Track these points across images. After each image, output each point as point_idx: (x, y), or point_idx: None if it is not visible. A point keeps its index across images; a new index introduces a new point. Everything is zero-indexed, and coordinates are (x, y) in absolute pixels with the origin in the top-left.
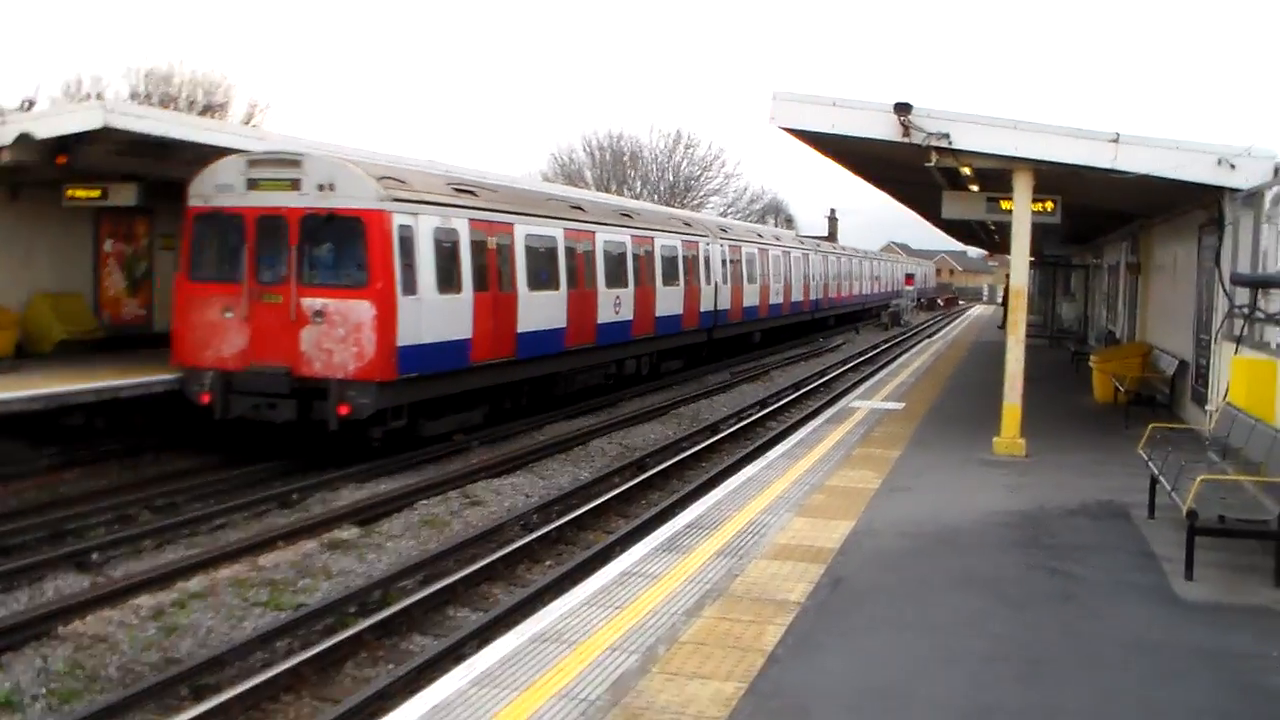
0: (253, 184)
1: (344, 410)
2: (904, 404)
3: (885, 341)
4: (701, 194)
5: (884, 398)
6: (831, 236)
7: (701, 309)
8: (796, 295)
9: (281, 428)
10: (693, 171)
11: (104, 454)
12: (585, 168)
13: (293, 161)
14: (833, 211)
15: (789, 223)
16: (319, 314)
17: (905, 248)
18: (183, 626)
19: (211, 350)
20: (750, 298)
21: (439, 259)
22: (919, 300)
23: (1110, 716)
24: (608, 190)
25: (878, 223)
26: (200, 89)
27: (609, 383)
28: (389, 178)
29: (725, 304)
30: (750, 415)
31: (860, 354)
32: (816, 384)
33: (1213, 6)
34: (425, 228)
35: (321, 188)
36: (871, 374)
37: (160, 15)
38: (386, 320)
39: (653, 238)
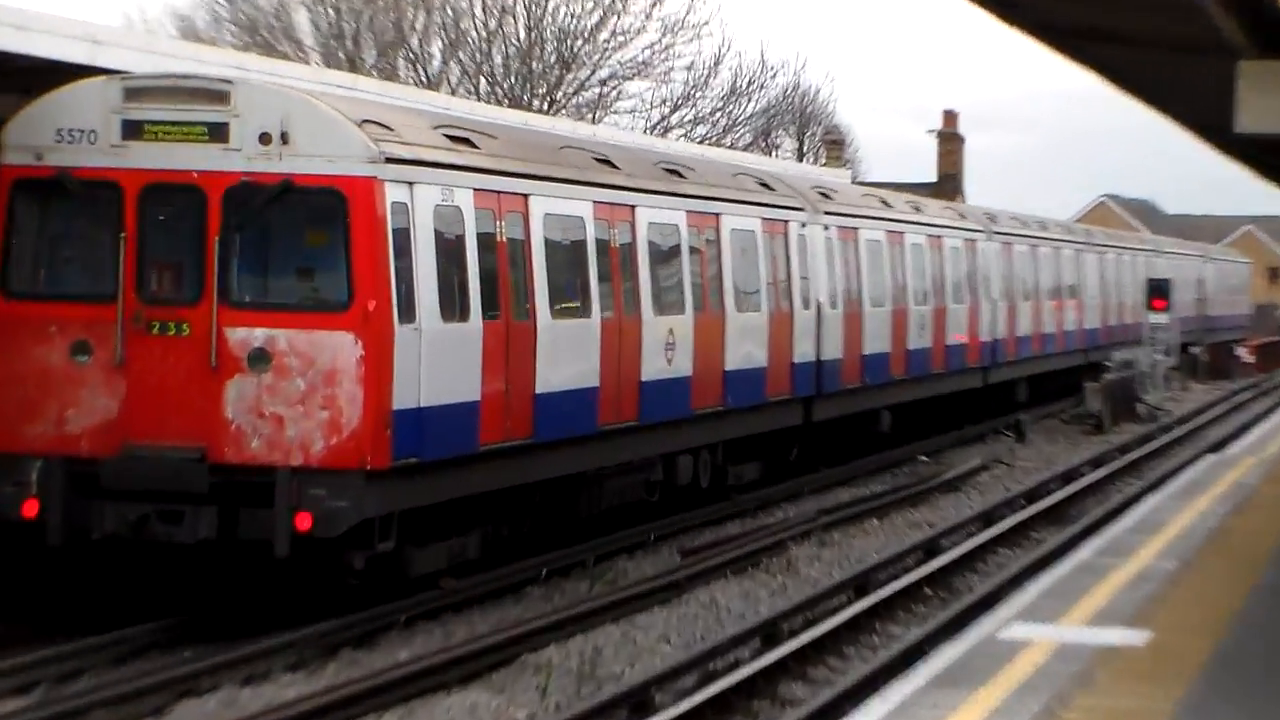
0: (134, 129)
1: (305, 522)
2: (1148, 634)
3: (1088, 460)
4: (597, 71)
5: (1095, 615)
6: (947, 187)
7: (795, 357)
8: (955, 331)
9: (182, 557)
10: (579, 23)
11: None
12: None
13: (214, 93)
14: (948, 125)
15: (836, 147)
16: (260, 355)
17: (1136, 209)
18: None
19: (44, 423)
20: (876, 337)
21: (442, 260)
22: (1186, 349)
23: None
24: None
25: (1022, 150)
26: None
27: (651, 499)
28: (374, 122)
29: (834, 349)
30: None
31: (1031, 491)
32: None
33: None
34: (424, 207)
35: (267, 138)
36: (1061, 549)
37: None
38: (379, 363)
39: (719, 216)
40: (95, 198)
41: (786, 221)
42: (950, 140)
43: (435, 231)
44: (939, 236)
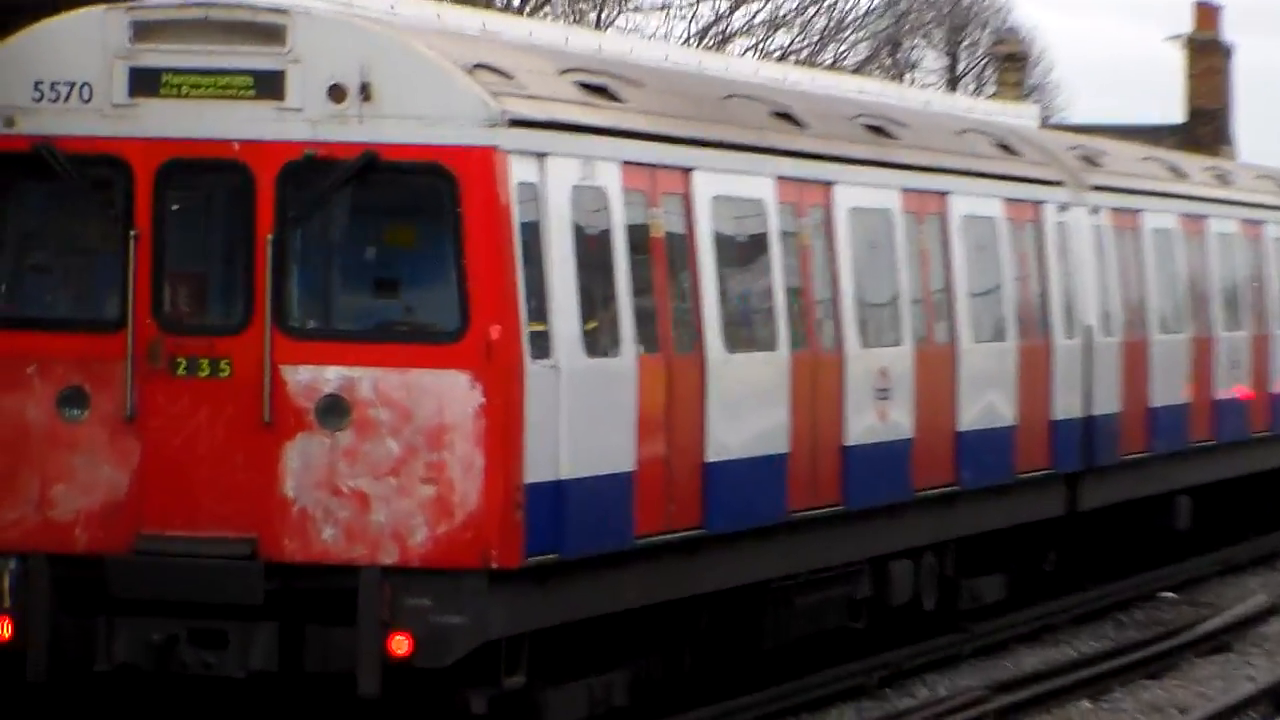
0: (148, 81)
1: (402, 646)
2: None
3: None
4: None
5: None
6: (1202, 129)
7: (1054, 412)
8: None
9: (225, 694)
10: None
11: None
12: None
13: (265, 27)
14: (1204, 27)
15: (1014, 66)
16: (334, 405)
17: None
18: None
19: (20, 506)
20: (1168, 381)
21: (583, 267)
22: None
23: None
24: None
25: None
26: None
27: (855, 624)
28: (488, 67)
29: (1109, 399)
30: None
31: None
32: None
33: None
34: (559, 189)
35: (340, 93)
36: None
37: None
38: (507, 416)
39: (945, 197)
40: (92, 180)
41: (1039, 203)
42: (1208, 53)
43: (574, 225)
44: (1258, 223)
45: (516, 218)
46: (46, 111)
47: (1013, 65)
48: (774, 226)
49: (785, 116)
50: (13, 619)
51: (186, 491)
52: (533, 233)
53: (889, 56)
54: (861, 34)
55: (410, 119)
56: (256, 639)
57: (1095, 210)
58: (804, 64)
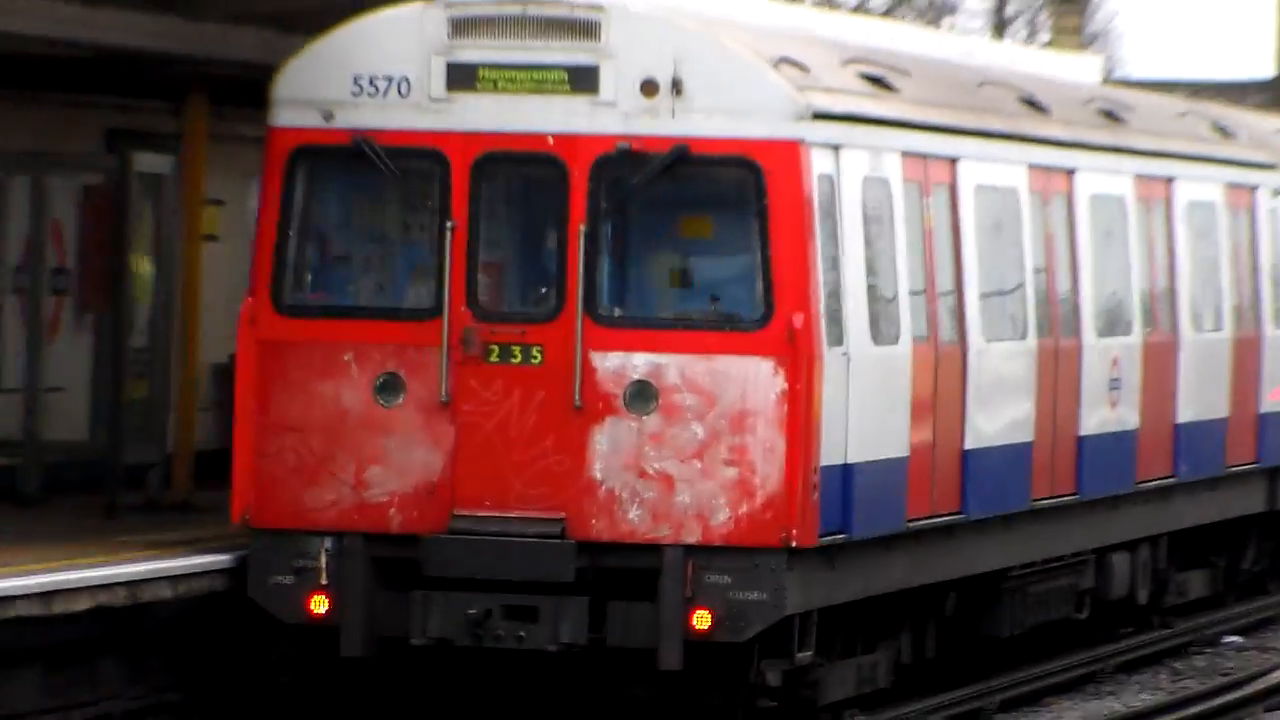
0: (464, 76)
1: (704, 621)
2: None
3: None
4: None
5: None
6: None
7: (1262, 405)
8: None
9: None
10: None
11: None
12: None
13: (581, 23)
14: None
15: (1071, 11)
16: (642, 390)
17: None
18: None
19: (338, 486)
20: None
21: (870, 256)
22: None
23: None
24: None
25: None
26: None
27: (1079, 615)
28: (791, 61)
29: None
30: None
31: None
32: None
33: None
34: (852, 181)
35: (652, 88)
36: None
37: None
38: (807, 401)
39: (1170, 183)
40: (409, 172)
41: (1254, 188)
42: None
43: (864, 217)
44: None
45: (817, 210)
46: (365, 105)
47: (1070, 8)
48: (1026, 215)
49: (1032, 104)
50: (330, 595)
51: (498, 473)
52: (829, 224)
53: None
54: None
55: (719, 113)
56: (566, 614)
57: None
58: (827, 5)
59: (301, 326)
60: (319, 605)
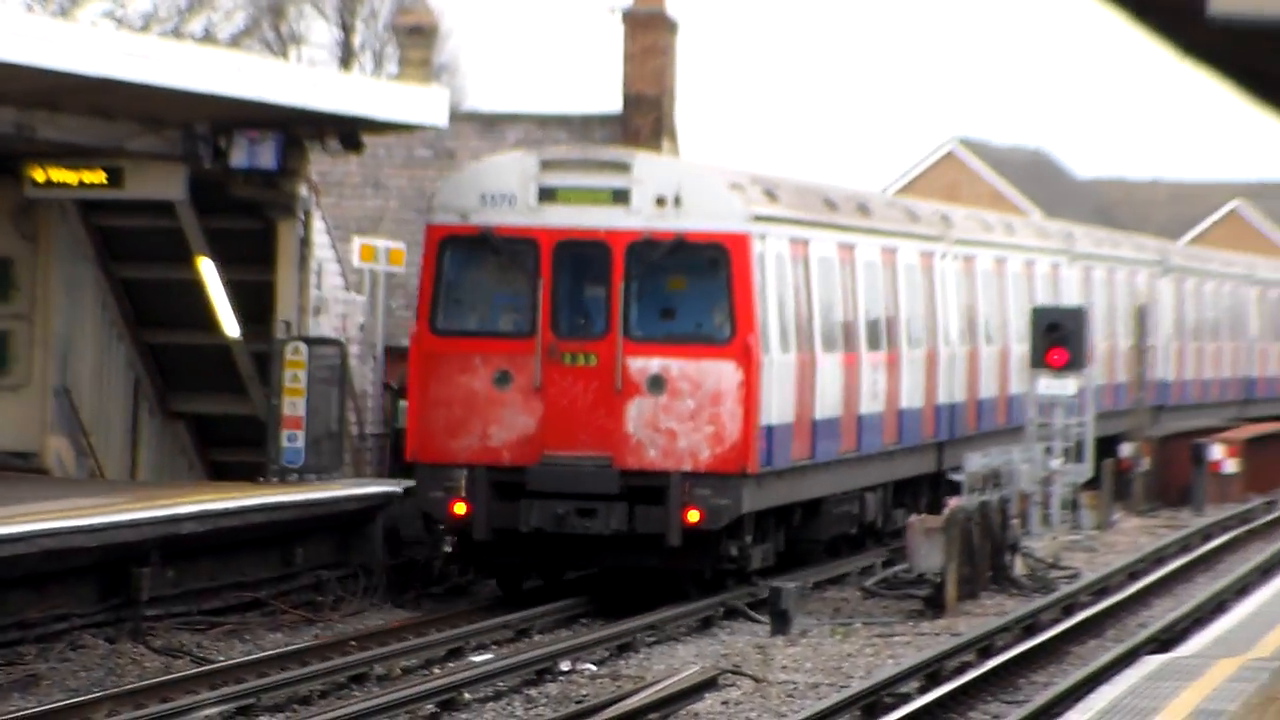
0: (548, 194)
1: (694, 516)
2: None
3: (914, 669)
4: None
5: None
6: (640, 120)
7: (937, 399)
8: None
9: (585, 549)
10: None
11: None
12: None
13: (619, 165)
14: None
15: (420, 40)
16: (656, 380)
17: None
18: None
19: (471, 437)
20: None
21: (779, 302)
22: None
23: None
24: None
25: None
26: None
27: (854, 534)
28: (738, 186)
29: (958, 393)
30: None
31: None
32: None
33: None
34: (771, 256)
35: (662, 202)
36: None
37: None
38: (752, 388)
39: (896, 250)
40: (516, 251)
41: (932, 253)
42: (651, 28)
43: (775, 276)
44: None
45: (754, 273)
46: (487, 211)
47: (417, 41)
48: (837, 274)
49: (830, 204)
50: (466, 503)
51: (570, 430)
52: (760, 281)
53: (271, 28)
54: (238, 1)
55: (703, 216)
56: (613, 513)
57: (956, 257)
58: (172, 35)
59: (449, 342)
60: (460, 509)
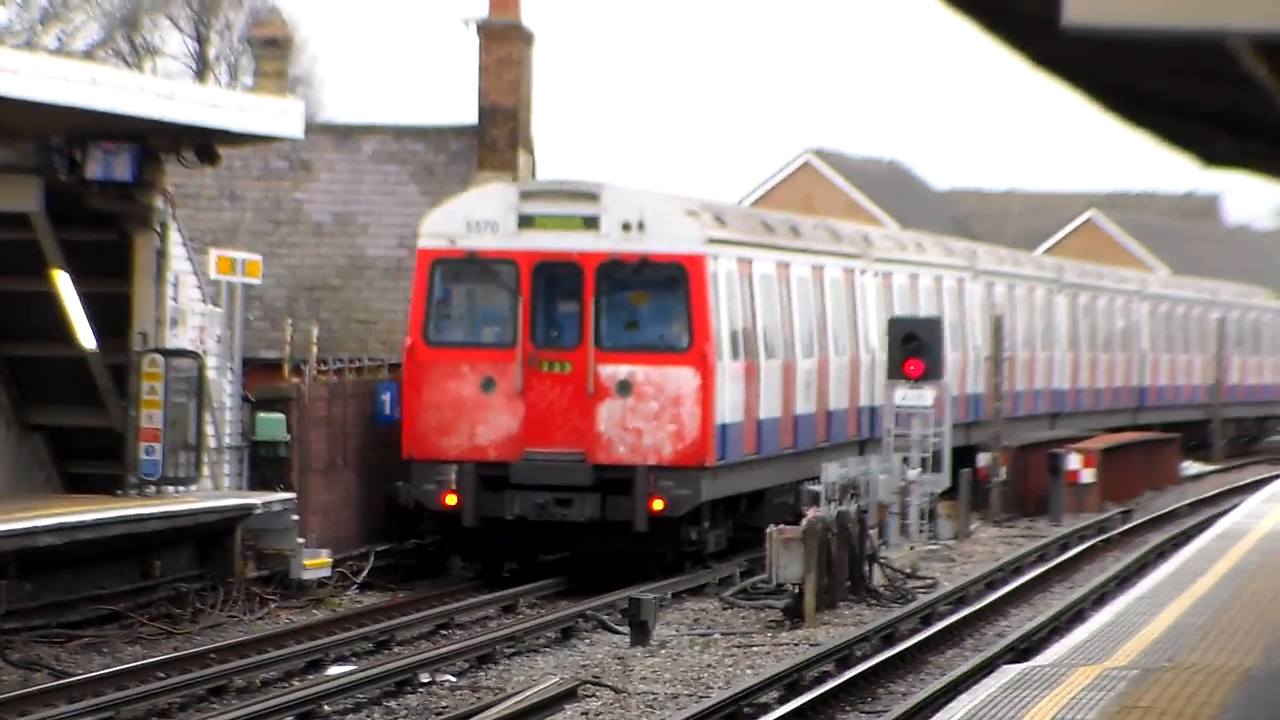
0: (527, 221)
1: (659, 504)
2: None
3: (773, 679)
4: None
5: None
6: (495, 131)
7: (860, 402)
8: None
9: (561, 535)
10: None
11: None
12: None
13: (588, 195)
14: (502, 10)
15: (275, 52)
16: (623, 385)
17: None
18: None
19: (460, 436)
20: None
21: (730, 315)
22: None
23: None
24: None
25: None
26: None
27: (790, 522)
28: (693, 212)
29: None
30: None
31: None
32: None
33: None
34: (723, 274)
35: (627, 227)
36: None
37: None
38: (709, 391)
39: (822, 267)
40: (498, 271)
41: (853, 270)
42: (506, 39)
43: (726, 292)
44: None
45: (709, 290)
46: (473, 236)
47: (273, 52)
48: (776, 289)
49: (768, 226)
50: (456, 494)
51: (548, 429)
52: (715, 297)
53: (126, 40)
54: (92, 13)
55: (664, 240)
56: (587, 501)
57: (876, 274)
58: (25, 47)
59: (439, 353)
60: (450, 500)
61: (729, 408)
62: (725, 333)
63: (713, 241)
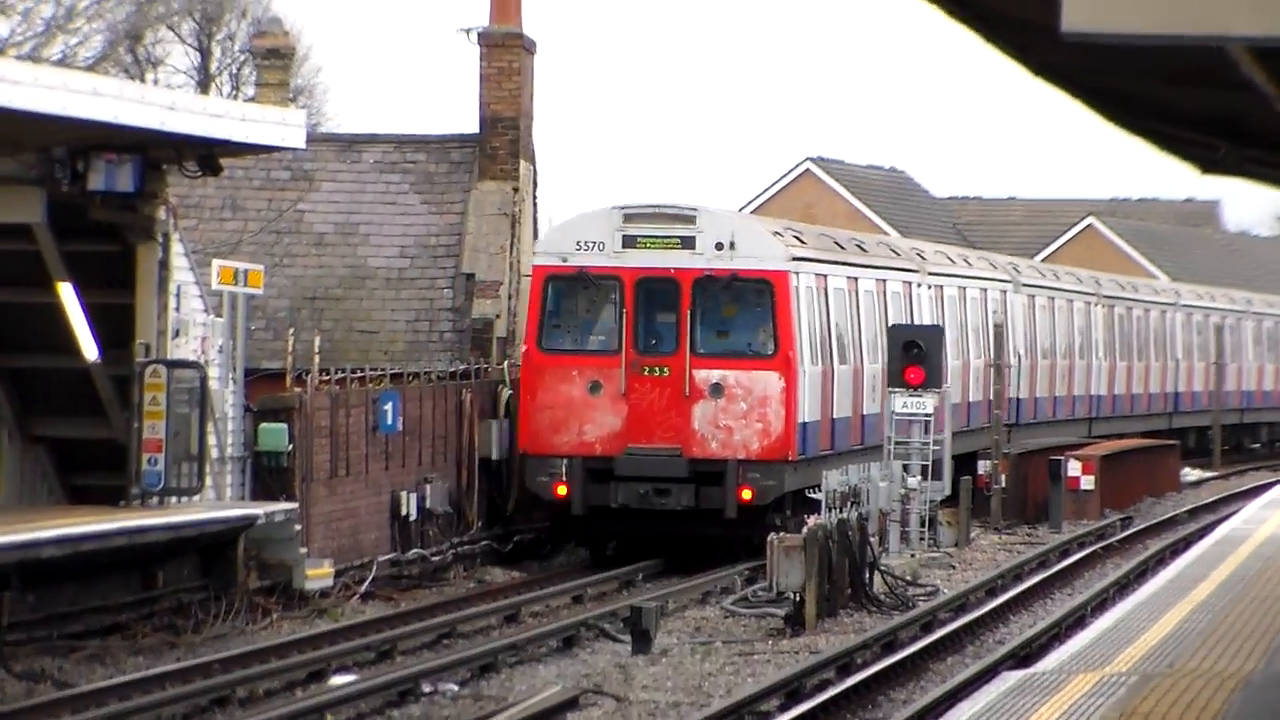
0: (630, 241)
1: (747, 494)
2: None
3: (774, 686)
4: None
5: None
6: (496, 141)
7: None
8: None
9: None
10: None
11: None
12: None
13: (685, 217)
14: (503, 18)
15: (278, 62)
16: (716, 387)
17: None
18: None
19: (570, 434)
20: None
21: (810, 324)
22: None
23: None
24: None
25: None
26: None
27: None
28: (778, 233)
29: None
30: None
31: None
32: None
33: None
34: (805, 288)
35: (720, 246)
36: None
37: None
38: (792, 393)
39: (885, 280)
40: (604, 286)
41: (910, 283)
42: (507, 49)
43: (806, 304)
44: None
45: (793, 302)
46: (582, 254)
47: (275, 63)
48: (848, 301)
49: (839, 244)
50: (566, 485)
51: (649, 427)
52: (797, 308)
53: (129, 52)
54: (96, 25)
55: (752, 258)
56: (683, 492)
57: (929, 286)
58: (29, 59)
59: (552, 359)
60: (561, 490)
61: (808, 408)
62: (805, 340)
63: (795, 259)
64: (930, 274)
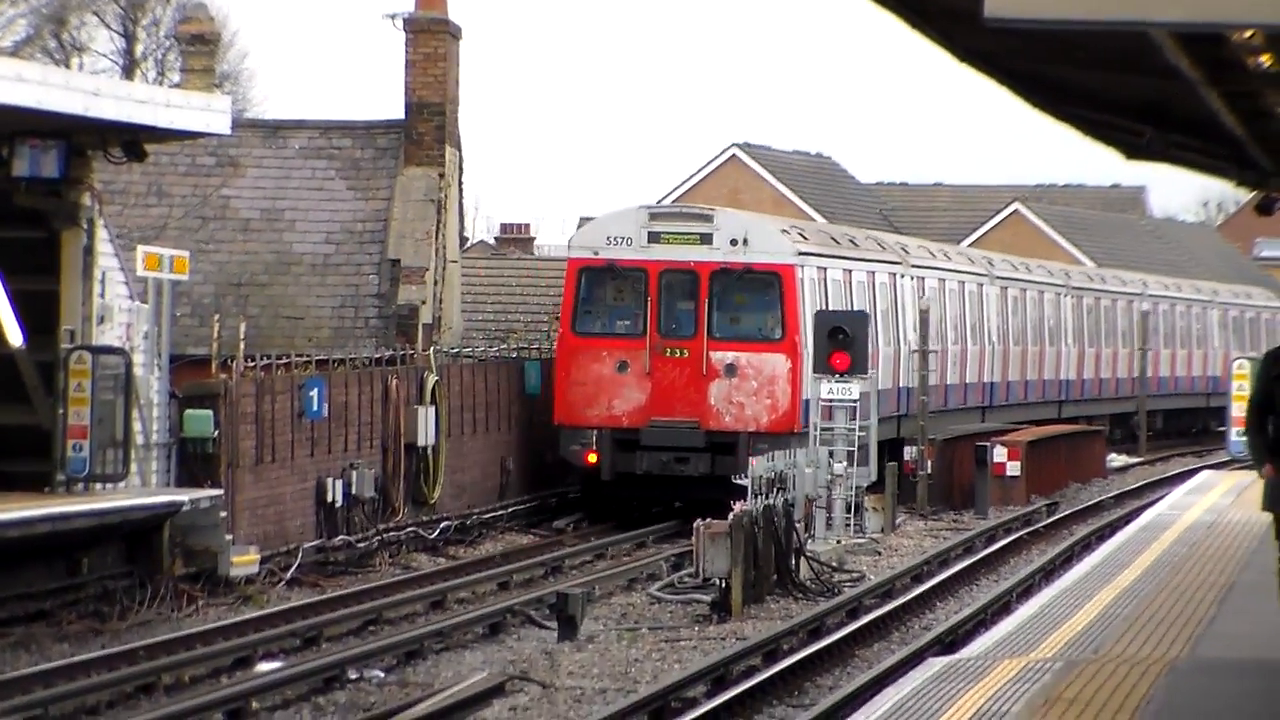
0: (655, 237)
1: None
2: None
3: (699, 673)
4: None
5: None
6: (423, 127)
7: (900, 382)
8: None
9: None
10: None
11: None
12: None
13: (704, 216)
14: (430, 4)
15: (204, 48)
16: (730, 368)
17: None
18: None
19: (600, 408)
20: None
21: (811, 311)
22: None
23: None
24: None
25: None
26: None
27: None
28: (785, 231)
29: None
30: None
31: None
32: None
33: None
34: (809, 281)
35: (734, 242)
36: None
37: None
38: (798, 373)
39: (874, 272)
40: (631, 277)
41: (896, 274)
42: (432, 34)
43: (809, 293)
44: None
45: (798, 292)
46: (612, 248)
47: (200, 48)
48: (843, 290)
49: (834, 239)
50: (597, 453)
51: (670, 402)
52: (802, 297)
53: (53, 37)
54: (20, 9)
55: (764, 253)
56: (701, 460)
57: (912, 278)
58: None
59: (585, 341)
60: (592, 458)
61: (812, 386)
62: (809, 326)
63: (801, 254)
64: (913, 266)
